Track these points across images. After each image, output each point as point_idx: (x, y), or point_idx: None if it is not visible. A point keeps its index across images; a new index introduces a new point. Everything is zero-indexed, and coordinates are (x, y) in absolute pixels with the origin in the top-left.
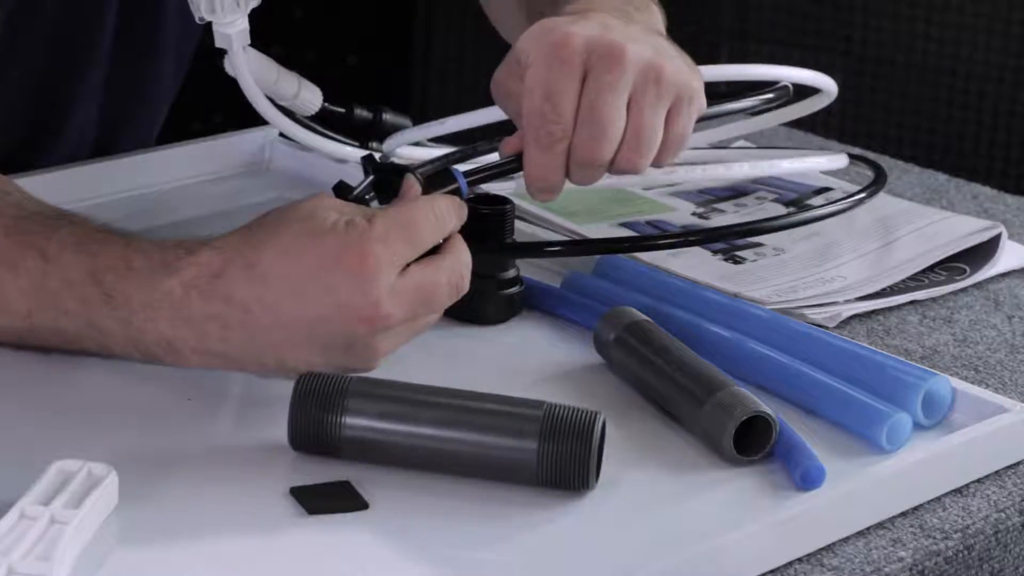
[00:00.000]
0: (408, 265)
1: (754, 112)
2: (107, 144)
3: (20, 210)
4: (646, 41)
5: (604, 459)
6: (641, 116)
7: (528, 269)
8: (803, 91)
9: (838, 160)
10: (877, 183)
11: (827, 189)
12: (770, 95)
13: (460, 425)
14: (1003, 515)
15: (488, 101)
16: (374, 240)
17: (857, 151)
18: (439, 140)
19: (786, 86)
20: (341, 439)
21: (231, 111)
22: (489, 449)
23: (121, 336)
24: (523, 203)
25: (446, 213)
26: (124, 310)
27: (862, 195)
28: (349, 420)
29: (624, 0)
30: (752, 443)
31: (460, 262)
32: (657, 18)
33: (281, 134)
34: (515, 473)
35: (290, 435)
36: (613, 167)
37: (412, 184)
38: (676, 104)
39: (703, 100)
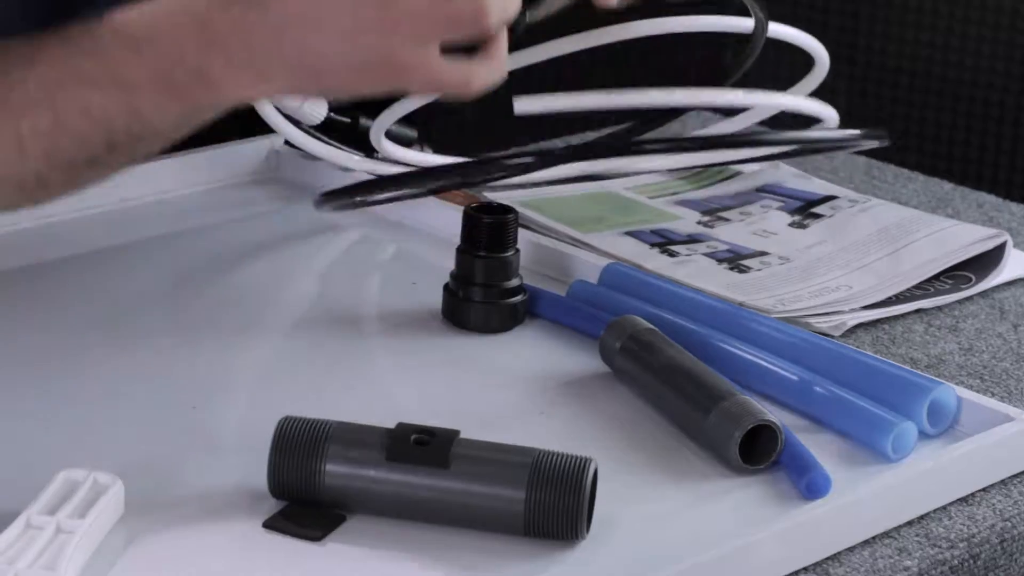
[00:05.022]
0: None
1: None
2: None
3: None
4: None
5: (606, 468)
6: None
7: (533, 278)
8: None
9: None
10: (879, 138)
11: (833, 197)
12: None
13: (445, 472)
14: (1009, 524)
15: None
16: None
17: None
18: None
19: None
20: (322, 487)
21: (236, 119)
22: (476, 498)
23: (147, 84)
24: (527, 212)
25: None
26: (148, 50)
27: (856, 132)
28: (330, 467)
29: None
30: (758, 452)
31: None
32: None
33: (287, 142)
34: (502, 523)
35: (269, 484)
36: None
37: None
38: None
39: None
